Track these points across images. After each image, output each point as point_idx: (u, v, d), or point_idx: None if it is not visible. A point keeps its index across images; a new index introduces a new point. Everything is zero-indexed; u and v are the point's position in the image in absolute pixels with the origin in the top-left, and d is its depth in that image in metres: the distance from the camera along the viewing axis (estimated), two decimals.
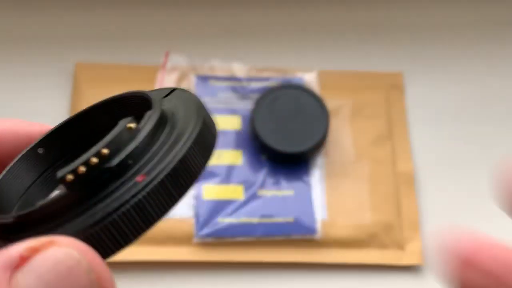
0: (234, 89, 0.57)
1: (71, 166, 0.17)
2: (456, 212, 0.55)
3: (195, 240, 0.52)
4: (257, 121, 0.54)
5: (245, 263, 0.52)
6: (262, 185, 0.54)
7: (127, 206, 0.17)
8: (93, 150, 0.17)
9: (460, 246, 0.18)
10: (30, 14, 0.61)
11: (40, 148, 0.22)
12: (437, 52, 0.62)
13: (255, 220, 0.53)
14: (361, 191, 0.54)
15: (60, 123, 0.22)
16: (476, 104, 0.60)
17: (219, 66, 0.58)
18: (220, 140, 0.54)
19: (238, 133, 0.56)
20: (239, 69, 0.58)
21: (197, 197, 0.53)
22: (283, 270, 0.53)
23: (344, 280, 0.52)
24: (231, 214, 0.53)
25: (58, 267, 0.16)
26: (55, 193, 0.20)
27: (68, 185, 0.17)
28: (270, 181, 0.54)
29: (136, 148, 0.18)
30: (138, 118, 0.19)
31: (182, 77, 0.58)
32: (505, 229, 0.55)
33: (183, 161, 0.17)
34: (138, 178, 0.17)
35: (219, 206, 0.53)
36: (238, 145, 0.55)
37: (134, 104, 0.21)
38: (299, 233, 0.52)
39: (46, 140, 0.22)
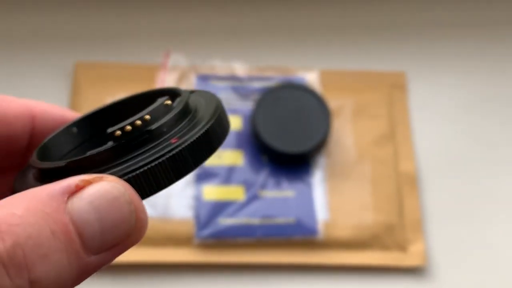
0: (235, 89, 0.57)
1: (120, 124, 0.22)
2: (459, 213, 0.55)
3: (195, 241, 0.52)
4: (258, 121, 0.54)
5: (245, 264, 0.52)
6: (263, 186, 0.54)
7: (164, 158, 0.21)
8: (139, 115, 0.22)
9: None
10: (30, 14, 0.61)
11: (74, 128, 0.26)
12: (440, 51, 0.62)
13: (256, 221, 0.52)
14: (363, 192, 0.54)
15: (93, 110, 0.26)
16: (479, 103, 0.59)
17: (219, 66, 0.58)
18: None
19: (238, 133, 0.55)
20: (239, 68, 0.58)
21: (198, 198, 0.53)
22: (284, 271, 0.52)
23: (346, 282, 0.52)
24: (231, 215, 0.52)
25: (106, 195, 0.20)
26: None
27: (115, 139, 0.22)
28: (271, 181, 0.54)
29: (170, 119, 0.22)
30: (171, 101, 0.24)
31: (182, 76, 0.57)
32: (508, 230, 0.55)
33: (205, 134, 0.22)
34: (173, 140, 0.22)
35: (219, 207, 0.53)
36: (238, 145, 0.55)
37: (162, 96, 0.24)
38: (300, 234, 0.52)
39: (80, 122, 0.26)
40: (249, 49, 0.61)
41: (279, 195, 0.53)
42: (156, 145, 0.22)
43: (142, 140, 0.22)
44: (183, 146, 0.21)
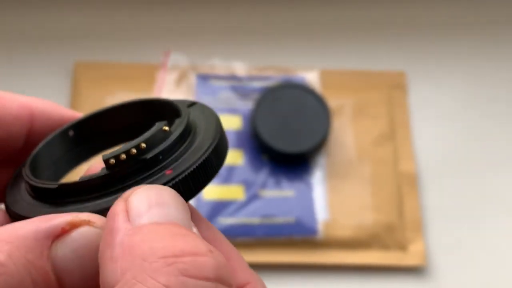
0: (235, 88, 0.57)
1: (115, 152, 0.21)
2: (459, 213, 0.55)
3: None
4: (258, 121, 0.54)
5: None
6: (263, 185, 0.54)
7: None
8: (134, 142, 0.21)
9: None
10: (29, 13, 0.61)
11: (71, 131, 0.26)
12: (440, 51, 0.62)
13: (255, 220, 0.52)
14: (363, 192, 0.54)
15: (90, 113, 0.26)
16: (479, 103, 0.59)
17: (219, 65, 0.58)
18: None
19: (238, 133, 0.55)
20: (239, 68, 0.58)
21: (197, 198, 0.53)
22: (284, 271, 0.52)
23: (346, 281, 0.52)
24: (231, 214, 0.52)
25: (91, 244, 0.20)
26: (89, 172, 0.23)
27: (109, 167, 0.21)
28: (271, 181, 0.54)
29: (167, 147, 0.22)
30: (169, 123, 0.23)
31: (182, 76, 0.57)
32: (508, 230, 0.55)
33: (202, 165, 0.21)
34: (167, 171, 0.21)
35: (219, 207, 0.52)
36: (238, 145, 0.55)
37: (161, 110, 0.24)
38: (300, 234, 0.52)
39: (77, 125, 0.26)
40: (249, 49, 0.61)
41: (279, 195, 0.53)
42: (150, 175, 0.21)
43: (136, 169, 0.21)
44: (176, 180, 0.21)
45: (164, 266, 0.18)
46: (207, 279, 0.18)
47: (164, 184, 0.21)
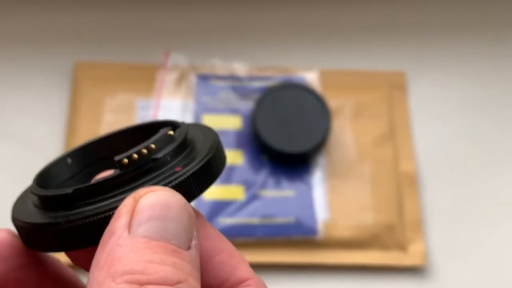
0: (235, 89, 0.57)
1: (127, 153, 0.22)
2: (459, 213, 0.55)
3: None
4: (258, 121, 0.54)
5: None
6: (263, 185, 0.54)
7: (170, 185, 0.22)
8: (144, 144, 0.23)
9: None
10: (29, 13, 0.61)
11: (68, 158, 0.27)
12: (440, 51, 0.62)
13: (255, 220, 0.52)
14: (362, 192, 0.54)
15: (86, 142, 0.27)
16: (479, 103, 0.59)
17: (219, 65, 0.58)
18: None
19: (238, 133, 0.55)
20: (239, 68, 0.58)
21: (198, 198, 0.52)
22: (284, 271, 0.52)
23: (346, 281, 0.52)
24: (231, 214, 0.52)
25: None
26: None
27: (122, 167, 0.22)
28: (271, 181, 0.54)
29: (174, 149, 0.23)
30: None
31: (182, 76, 0.57)
32: (508, 230, 0.55)
33: (207, 164, 0.23)
34: (177, 168, 0.23)
35: (219, 207, 0.52)
36: (238, 145, 0.55)
37: (159, 128, 0.25)
38: (300, 234, 0.52)
39: (74, 153, 0.27)
40: (249, 49, 0.61)
41: (279, 195, 0.53)
42: (161, 173, 0.23)
43: (148, 168, 0.23)
44: (187, 174, 0.22)
45: (127, 287, 0.19)
46: None
47: (179, 177, 0.22)
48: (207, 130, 0.26)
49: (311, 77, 0.58)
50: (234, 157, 0.55)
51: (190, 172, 0.22)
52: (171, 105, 0.56)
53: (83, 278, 0.26)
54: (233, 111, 0.56)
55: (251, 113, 0.55)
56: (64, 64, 0.58)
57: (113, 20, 0.61)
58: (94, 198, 0.22)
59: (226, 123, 0.56)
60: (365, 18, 0.63)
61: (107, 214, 0.21)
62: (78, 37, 0.60)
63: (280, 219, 0.53)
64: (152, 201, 0.20)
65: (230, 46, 0.61)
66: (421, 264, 0.52)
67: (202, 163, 0.23)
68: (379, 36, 0.62)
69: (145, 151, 0.22)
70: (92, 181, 0.22)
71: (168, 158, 0.23)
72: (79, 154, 0.27)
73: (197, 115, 0.56)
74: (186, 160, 0.23)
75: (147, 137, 0.25)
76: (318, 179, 0.54)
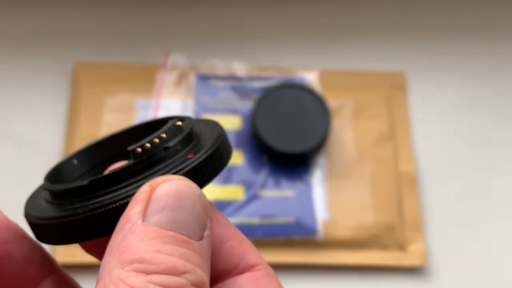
0: (235, 89, 0.57)
1: (140, 142, 0.23)
2: (459, 213, 0.55)
3: None
4: (258, 121, 0.54)
5: None
6: (263, 185, 0.54)
7: (185, 170, 0.23)
8: (155, 134, 0.23)
9: None
10: (29, 13, 0.61)
11: (74, 159, 0.27)
12: (440, 51, 0.62)
13: (255, 220, 0.52)
14: (362, 192, 0.54)
15: (91, 143, 0.28)
16: (479, 103, 0.59)
17: (219, 65, 0.58)
18: None
19: (238, 133, 0.55)
20: (239, 68, 0.58)
21: None
22: (284, 271, 0.52)
23: (346, 282, 0.52)
24: (231, 214, 0.52)
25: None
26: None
27: (136, 156, 0.23)
28: (270, 181, 0.54)
29: (183, 138, 0.24)
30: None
31: (182, 76, 0.57)
32: (507, 230, 0.55)
33: (217, 150, 0.24)
34: (189, 156, 0.23)
35: (219, 207, 0.53)
36: (238, 145, 0.55)
37: (163, 125, 0.26)
38: (300, 234, 0.52)
39: (80, 155, 0.27)
40: (249, 49, 0.61)
41: (278, 195, 0.53)
42: (174, 160, 0.23)
43: (160, 157, 0.23)
44: (200, 160, 0.23)
45: (133, 275, 0.19)
46: None
47: (192, 163, 0.23)
48: (212, 123, 0.27)
49: (311, 77, 0.58)
50: (234, 157, 0.54)
51: (202, 158, 0.23)
52: (171, 105, 0.56)
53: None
54: (233, 111, 0.56)
55: (251, 113, 0.55)
56: (64, 64, 0.58)
57: (113, 20, 0.61)
58: (110, 187, 0.23)
59: (226, 123, 0.56)
60: (365, 18, 0.63)
61: (125, 201, 0.22)
62: (78, 37, 0.60)
63: (280, 219, 0.53)
64: (168, 190, 0.21)
65: (230, 46, 0.61)
66: (421, 264, 0.52)
67: (212, 149, 0.24)
68: (379, 36, 0.62)
69: (157, 140, 0.23)
70: (107, 172, 0.23)
71: (179, 147, 0.24)
72: (84, 155, 0.27)
73: (197, 115, 0.56)
74: (195, 149, 0.24)
75: (151, 134, 0.25)
76: (318, 179, 0.54)
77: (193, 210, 0.21)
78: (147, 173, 0.23)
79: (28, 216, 0.24)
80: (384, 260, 0.52)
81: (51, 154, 0.55)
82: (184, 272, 0.20)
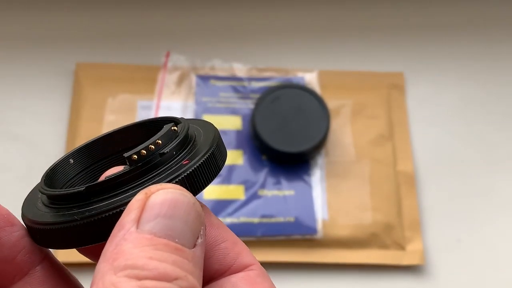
0: (235, 89, 0.57)
1: (136, 149, 0.23)
2: (457, 212, 0.55)
3: None
4: (258, 121, 0.54)
5: None
6: (263, 185, 0.54)
7: (181, 177, 0.23)
8: (151, 140, 0.23)
9: None
10: (31, 14, 0.61)
11: (70, 159, 0.27)
12: (438, 52, 0.62)
13: (255, 220, 0.53)
14: (361, 191, 0.54)
15: (87, 142, 0.28)
16: (477, 104, 0.60)
17: (219, 66, 0.58)
18: None
19: (238, 133, 0.56)
20: (239, 69, 0.58)
21: (198, 197, 0.53)
22: (284, 270, 0.52)
23: (345, 280, 0.52)
24: (231, 214, 0.53)
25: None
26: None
27: (132, 162, 0.23)
28: (270, 181, 0.54)
29: (179, 143, 0.24)
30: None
31: (183, 77, 0.58)
32: (505, 228, 0.55)
33: (211, 156, 0.24)
34: (184, 161, 0.23)
35: (219, 206, 0.53)
36: (238, 145, 0.55)
37: (158, 126, 0.26)
38: (299, 233, 0.52)
39: (76, 154, 0.28)
40: (249, 50, 0.61)
41: (278, 194, 0.54)
42: (169, 166, 0.23)
43: (156, 162, 0.23)
44: (195, 166, 0.23)
45: (126, 281, 0.20)
46: None
47: (188, 169, 0.23)
48: (206, 124, 0.27)
49: (310, 78, 0.58)
50: (234, 157, 0.55)
51: (197, 164, 0.23)
52: (172, 105, 0.57)
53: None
54: (233, 111, 0.57)
55: (251, 113, 0.55)
56: (66, 65, 0.59)
57: (114, 22, 0.61)
58: (107, 194, 0.23)
59: (226, 123, 0.56)
60: (364, 19, 0.63)
61: (121, 208, 0.22)
62: (79, 39, 0.61)
63: (280, 219, 0.53)
64: (162, 199, 0.21)
65: (230, 47, 0.61)
66: (420, 263, 0.52)
67: (207, 155, 0.24)
68: (378, 37, 0.62)
69: (152, 146, 0.23)
70: (103, 178, 0.23)
71: (174, 153, 0.24)
72: (80, 154, 0.28)
73: (197, 115, 0.56)
74: (190, 154, 0.24)
75: (147, 134, 0.25)
76: (317, 179, 0.55)
77: (186, 219, 0.21)
78: (143, 179, 0.23)
79: (25, 218, 0.24)
80: (383, 259, 0.53)
81: (53, 154, 0.55)
82: (176, 278, 0.20)
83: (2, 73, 0.59)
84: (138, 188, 0.23)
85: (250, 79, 0.58)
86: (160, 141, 0.24)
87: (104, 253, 0.21)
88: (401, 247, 0.53)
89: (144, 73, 0.58)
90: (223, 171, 0.54)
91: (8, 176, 0.55)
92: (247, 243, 0.52)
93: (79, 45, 0.60)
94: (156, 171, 0.23)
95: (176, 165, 0.23)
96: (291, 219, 0.53)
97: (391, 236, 0.53)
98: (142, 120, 0.28)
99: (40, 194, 0.25)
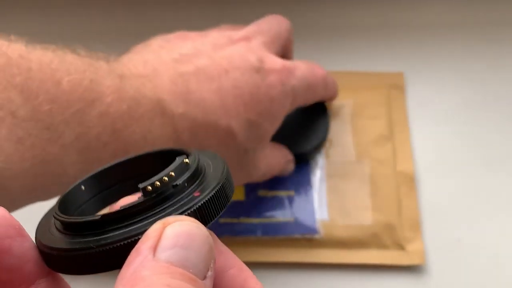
0: None
1: (150, 180, 0.24)
2: (457, 212, 0.55)
3: None
4: None
5: (245, 263, 0.52)
6: (263, 185, 0.54)
7: (192, 209, 0.24)
8: (164, 172, 0.25)
9: None
10: (29, 15, 0.61)
11: (82, 186, 0.29)
12: (438, 52, 0.62)
13: (255, 220, 0.53)
14: (362, 191, 0.54)
15: (98, 169, 0.29)
16: (477, 104, 0.60)
17: None
18: None
19: None
20: None
21: None
22: (284, 270, 0.52)
23: (345, 281, 0.52)
24: (231, 214, 0.53)
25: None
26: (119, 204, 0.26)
27: (146, 193, 0.24)
28: (270, 181, 0.54)
29: (190, 175, 0.25)
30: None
31: None
32: (505, 229, 0.55)
33: (221, 189, 0.25)
34: (195, 193, 0.25)
35: None
36: None
37: (169, 156, 0.27)
38: (299, 233, 0.52)
39: (87, 181, 0.29)
40: None
41: (278, 195, 0.54)
42: (181, 198, 0.25)
43: (169, 194, 0.25)
44: (206, 198, 0.24)
45: None
46: None
47: (199, 202, 0.24)
48: (215, 157, 0.28)
49: None
50: None
51: (208, 196, 0.24)
52: None
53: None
54: None
55: None
56: None
57: (113, 21, 0.61)
58: (121, 223, 0.24)
59: None
60: (364, 19, 0.63)
61: (136, 237, 0.23)
62: (77, 38, 0.60)
63: (280, 219, 0.53)
64: (179, 230, 0.22)
65: None
66: (420, 263, 0.52)
67: (217, 187, 0.25)
68: (378, 37, 0.62)
69: (166, 178, 0.25)
70: (118, 208, 0.24)
71: (186, 184, 0.25)
72: (92, 181, 0.29)
73: None
74: (201, 186, 0.25)
75: (156, 163, 0.27)
76: (317, 179, 0.55)
77: (201, 251, 0.23)
78: (156, 210, 0.24)
79: (40, 243, 0.25)
80: (383, 260, 0.53)
81: None
82: None
83: None
84: (151, 218, 0.24)
85: None
86: (173, 173, 0.25)
87: (121, 278, 0.22)
88: (401, 247, 0.53)
89: None
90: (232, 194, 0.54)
91: None
92: (247, 243, 0.52)
93: (77, 45, 0.60)
94: (169, 202, 0.24)
95: (187, 196, 0.25)
96: (291, 219, 0.53)
97: (391, 236, 0.53)
98: (152, 151, 0.29)
99: (54, 219, 0.26)
